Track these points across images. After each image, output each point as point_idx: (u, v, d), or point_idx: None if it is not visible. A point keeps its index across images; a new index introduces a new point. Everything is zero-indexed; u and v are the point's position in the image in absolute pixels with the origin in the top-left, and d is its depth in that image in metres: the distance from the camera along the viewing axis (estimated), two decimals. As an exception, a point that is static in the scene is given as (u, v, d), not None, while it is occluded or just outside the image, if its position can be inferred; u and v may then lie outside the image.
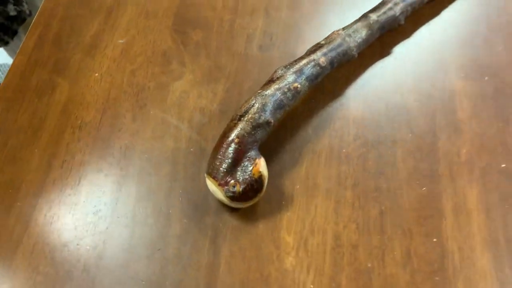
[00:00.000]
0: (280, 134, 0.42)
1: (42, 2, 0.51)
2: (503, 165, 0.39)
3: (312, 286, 0.35)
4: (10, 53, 0.93)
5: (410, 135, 0.41)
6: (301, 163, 0.40)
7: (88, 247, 0.37)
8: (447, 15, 0.48)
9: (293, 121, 0.42)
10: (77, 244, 0.37)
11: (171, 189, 0.39)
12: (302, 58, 0.41)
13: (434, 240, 0.36)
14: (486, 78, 0.44)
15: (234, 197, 0.36)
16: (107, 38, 0.48)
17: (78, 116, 0.43)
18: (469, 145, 0.40)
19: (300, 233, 0.37)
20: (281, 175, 0.40)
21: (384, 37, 0.46)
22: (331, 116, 0.43)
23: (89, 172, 0.41)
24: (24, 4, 0.71)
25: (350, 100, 0.43)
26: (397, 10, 0.44)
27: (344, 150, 0.41)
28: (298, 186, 0.39)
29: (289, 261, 0.36)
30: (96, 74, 0.46)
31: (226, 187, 0.35)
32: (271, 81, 0.39)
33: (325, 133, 0.42)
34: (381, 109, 0.43)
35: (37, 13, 0.50)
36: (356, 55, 0.43)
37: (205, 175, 0.37)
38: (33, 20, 0.49)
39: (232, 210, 0.38)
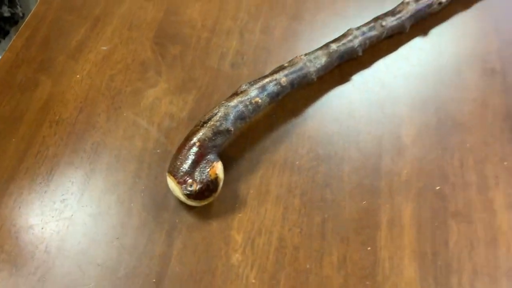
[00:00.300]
0: (240, 143, 0.46)
1: (35, 5, 0.55)
2: (438, 187, 0.44)
3: (254, 281, 0.38)
4: (0, 52, 0.96)
5: (358, 154, 0.45)
6: (257, 171, 0.44)
7: (52, 231, 0.40)
8: (403, 50, 0.53)
9: (254, 132, 0.46)
10: (42, 228, 0.40)
11: (135, 185, 0.43)
12: (265, 76, 0.45)
13: (369, 248, 0.40)
14: (431, 110, 0.49)
15: (190, 195, 0.39)
16: (92, 44, 0.52)
17: (56, 112, 0.47)
18: (410, 167, 0.45)
19: (249, 233, 0.41)
20: (238, 180, 0.43)
21: (344, 66, 0.51)
22: (288, 131, 0.47)
23: (61, 164, 0.44)
24: (18, 7, 0.75)
25: (307, 118, 0.48)
26: (356, 42, 0.49)
27: (297, 162, 0.45)
28: (251, 191, 0.43)
29: (236, 257, 0.39)
30: (78, 76, 0.50)
31: (184, 185, 0.39)
32: (235, 94, 0.43)
33: (282, 146, 0.46)
34: (335, 129, 0.47)
35: (29, 15, 0.54)
36: (315, 79, 0.47)
37: (166, 173, 0.40)
38: (25, 22, 0.53)
39: (189, 208, 0.42)
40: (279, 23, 0.55)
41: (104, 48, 0.52)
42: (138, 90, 0.49)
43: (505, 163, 0.45)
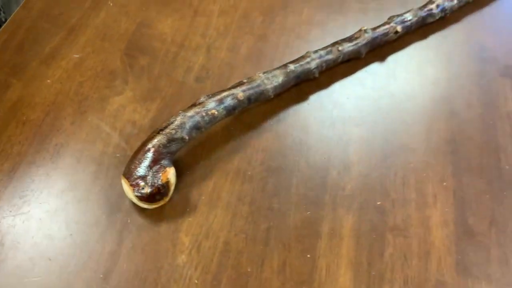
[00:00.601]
0: (197, 152, 0.48)
1: (15, 11, 0.58)
2: (379, 203, 0.47)
3: (196, 281, 0.40)
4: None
5: (307, 168, 0.48)
6: (210, 178, 0.47)
7: (8, 225, 0.42)
8: (359, 74, 0.57)
9: (211, 143, 0.49)
10: (-2, 222, 0.42)
11: (93, 186, 0.45)
12: (224, 90, 0.48)
13: (308, 256, 0.43)
14: (380, 131, 0.52)
15: (142, 197, 0.42)
16: (64, 52, 0.55)
17: (24, 113, 0.49)
18: (354, 182, 0.48)
19: (196, 236, 0.43)
20: (191, 186, 0.46)
21: (302, 86, 0.54)
22: (244, 143, 0.50)
23: (24, 162, 0.46)
24: (2, 12, 0.78)
25: (263, 132, 0.51)
26: (313, 64, 0.53)
27: (249, 173, 0.47)
28: (203, 197, 0.45)
29: (182, 258, 0.42)
30: (48, 81, 0.52)
31: (136, 188, 0.41)
32: (193, 105, 0.46)
33: (236, 156, 0.49)
34: (288, 144, 0.50)
35: (7, 21, 0.57)
36: (272, 96, 0.51)
37: (121, 176, 0.43)
38: (2, 27, 0.56)
39: (141, 209, 0.44)
40: (246, 42, 0.59)
41: (76, 56, 0.55)
42: (104, 97, 0.51)
43: (444, 183, 0.48)
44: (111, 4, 0.61)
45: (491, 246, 0.44)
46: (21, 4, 0.60)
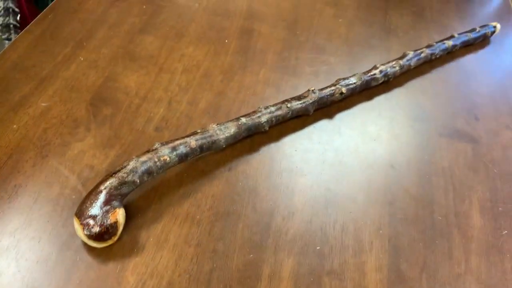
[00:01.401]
0: (150, 196, 0.51)
1: (-10, 63, 0.62)
2: (318, 248, 0.50)
3: (137, 318, 0.42)
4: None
5: (253, 213, 0.51)
6: (160, 221, 0.49)
7: (-43, 261, 0.43)
8: (307, 130, 0.62)
9: (164, 187, 0.52)
10: (-51, 257, 0.44)
11: (46, 225, 0.47)
12: (178, 139, 0.52)
13: (248, 296, 0.45)
14: (324, 180, 0.56)
15: (91, 236, 0.44)
16: (33, 100, 0.59)
17: (-14, 156, 0.52)
18: (296, 228, 0.51)
19: (142, 276, 0.45)
20: (141, 228, 0.48)
21: (255, 138, 0.59)
22: (195, 189, 0.53)
23: (-19, 201, 0.48)
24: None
25: (214, 179, 0.54)
26: (263, 118, 0.57)
27: (198, 217, 0.50)
28: (151, 239, 0.48)
29: (125, 296, 0.43)
30: (15, 126, 0.56)
31: (86, 227, 0.44)
32: (147, 151, 0.50)
33: (187, 201, 0.52)
34: (237, 190, 0.53)
35: (-19, 71, 0.61)
36: (224, 146, 0.55)
37: (74, 215, 0.45)
38: (-24, 76, 0.60)
39: (90, 248, 0.46)
40: (205, 97, 0.64)
41: (44, 104, 0.58)
42: (66, 143, 0.55)
43: (381, 231, 0.52)
44: (82, 59, 0.66)
45: (421, 291, 0.47)
46: (-3, 56, 0.65)
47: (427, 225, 0.53)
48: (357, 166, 0.58)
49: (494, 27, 0.82)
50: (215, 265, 0.47)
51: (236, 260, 0.47)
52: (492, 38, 0.84)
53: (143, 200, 0.51)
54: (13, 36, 0.99)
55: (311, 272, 0.48)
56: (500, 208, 0.56)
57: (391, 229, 0.52)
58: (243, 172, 0.56)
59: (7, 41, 1.04)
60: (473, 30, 0.80)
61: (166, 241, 0.48)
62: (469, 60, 0.79)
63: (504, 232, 0.54)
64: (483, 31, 0.81)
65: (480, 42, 0.83)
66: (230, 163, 0.56)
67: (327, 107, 0.65)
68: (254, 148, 0.59)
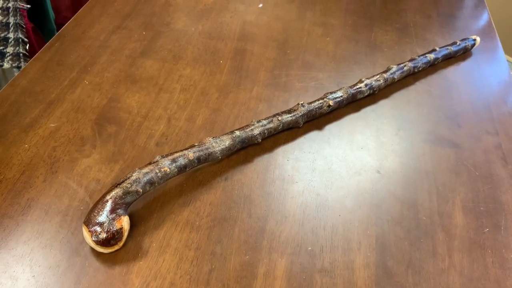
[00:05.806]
0: (152, 206, 0.55)
1: (2, 88, 0.67)
2: (309, 248, 0.53)
3: (142, 316, 0.46)
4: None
5: (248, 218, 0.55)
6: (162, 228, 0.53)
7: (-23, 268, 0.47)
8: (298, 141, 0.66)
9: (165, 197, 0.56)
10: (-31, 265, 0.48)
11: (57, 234, 0.51)
12: (177, 152, 0.56)
13: (244, 294, 0.48)
14: (314, 187, 0.60)
15: (98, 241, 0.48)
16: (42, 122, 0.63)
17: (1, 173, 0.56)
18: (289, 230, 0.55)
19: (146, 278, 0.49)
20: (144, 234, 0.52)
21: (249, 150, 0.63)
22: (194, 198, 0.57)
23: (-3, 214, 0.53)
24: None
25: (211, 188, 0.58)
26: (256, 131, 0.62)
27: (197, 223, 0.54)
28: (154, 244, 0.52)
29: (131, 296, 0.47)
30: (26, 145, 0.60)
31: (94, 233, 0.48)
32: (149, 164, 0.54)
33: (187, 209, 0.56)
34: (233, 197, 0.57)
35: (-6, 97, 0.66)
36: (220, 157, 0.59)
37: (82, 224, 0.49)
38: (-10, 101, 0.65)
39: (98, 254, 0.50)
40: (202, 113, 0.68)
41: (53, 125, 0.63)
42: (74, 159, 0.59)
43: (368, 231, 0.56)
44: (86, 83, 0.71)
45: (407, 286, 0.51)
46: (8, 82, 0.70)
47: (412, 225, 0.57)
48: (346, 173, 0.62)
49: (474, 40, 0.87)
50: (213, 266, 0.50)
51: (233, 261, 0.51)
52: (473, 50, 0.89)
53: (146, 209, 0.55)
54: (22, 64, 1.05)
55: (303, 271, 0.51)
56: (481, 208, 0.60)
57: (378, 229, 0.56)
58: (239, 181, 0.60)
59: (16, 69, 1.10)
60: (454, 43, 0.85)
61: (168, 246, 0.52)
62: (452, 72, 0.83)
63: (485, 230, 0.57)
64: (463, 44, 0.86)
65: (461, 54, 0.87)
66: (226, 173, 0.61)
67: (317, 119, 0.69)
68: (248, 159, 0.63)
